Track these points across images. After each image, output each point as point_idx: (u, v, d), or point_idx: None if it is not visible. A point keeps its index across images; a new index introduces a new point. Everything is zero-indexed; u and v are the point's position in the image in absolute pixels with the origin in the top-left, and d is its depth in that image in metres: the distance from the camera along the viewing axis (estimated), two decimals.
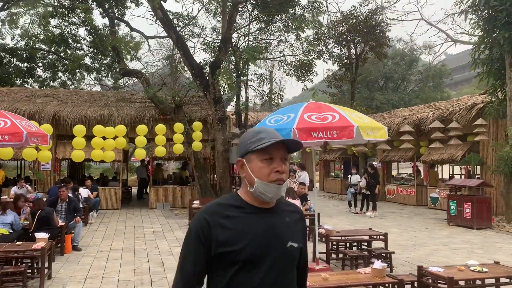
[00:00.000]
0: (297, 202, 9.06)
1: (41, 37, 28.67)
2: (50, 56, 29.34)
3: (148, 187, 18.48)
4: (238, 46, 18.77)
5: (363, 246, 7.57)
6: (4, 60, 26.73)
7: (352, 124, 5.72)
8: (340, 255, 7.28)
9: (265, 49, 19.79)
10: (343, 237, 7.08)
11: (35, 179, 15.16)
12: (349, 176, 14.82)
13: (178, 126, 13.55)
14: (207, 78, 14.67)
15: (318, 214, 10.10)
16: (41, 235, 6.14)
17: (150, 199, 16.05)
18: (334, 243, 7.40)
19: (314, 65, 20.26)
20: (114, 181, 16.87)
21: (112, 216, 13.75)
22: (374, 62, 28.43)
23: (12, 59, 27.39)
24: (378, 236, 7.10)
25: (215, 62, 14.50)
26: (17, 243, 6.03)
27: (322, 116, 5.89)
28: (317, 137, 5.69)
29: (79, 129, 11.19)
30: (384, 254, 6.69)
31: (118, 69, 19.16)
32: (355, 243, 7.53)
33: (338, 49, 22.07)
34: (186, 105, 16.73)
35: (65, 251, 7.97)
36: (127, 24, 20.27)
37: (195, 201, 11.68)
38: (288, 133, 5.69)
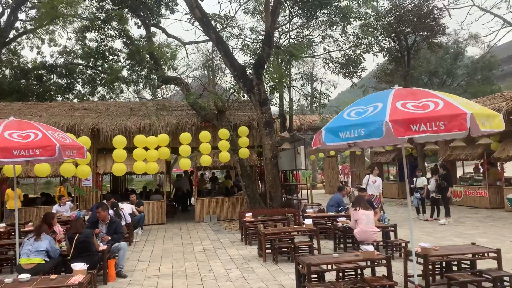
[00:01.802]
0: (371, 213, 7.68)
1: (79, 52, 28.73)
2: (89, 71, 29.33)
3: (193, 199, 17.57)
4: (279, 45, 17.62)
5: (462, 265, 6.11)
6: (44, 77, 26.80)
7: (464, 111, 4.33)
8: (438, 278, 5.86)
9: (308, 47, 18.51)
10: (444, 257, 5.64)
11: (76, 195, 14.51)
12: (414, 179, 13.21)
13: (223, 132, 12.48)
14: (251, 79, 13.55)
15: (395, 225, 8.69)
16: (79, 266, 5.12)
17: (196, 211, 15.04)
18: (430, 263, 5.95)
19: (362, 60, 18.78)
20: (157, 194, 16.02)
21: (158, 232, 12.80)
22: (427, 54, 26.51)
23: (51, 76, 27.46)
24: (487, 254, 5.64)
25: (259, 60, 13.36)
26: (51, 277, 5.02)
27: (421, 104, 4.54)
28: (418, 131, 4.35)
29: (119, 140, 10.32)
30: (504, 278, 5.21)
31: (156, 77, 18.43)
32: (454, 263, 6.06)
33: (387, 42, 20.41)
34: (229, 110, 15.71)
35: (108, 279, 6.96)
36: (163, 31, 19.60)
37: (247, 214, 10.50)
38: (378, 127, 4.39)
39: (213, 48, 16.58)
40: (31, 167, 10.60)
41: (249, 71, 14.28)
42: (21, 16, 26.49)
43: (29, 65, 27.39)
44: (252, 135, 14.64)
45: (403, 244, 7.66)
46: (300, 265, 5.69)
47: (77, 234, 6.52)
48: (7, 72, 27.00)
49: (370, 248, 5.54)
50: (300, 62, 17.98)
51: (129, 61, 27.81)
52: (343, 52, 18.90)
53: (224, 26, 16.54)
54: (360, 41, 18.73)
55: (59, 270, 6.51)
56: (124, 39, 26.31)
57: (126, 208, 11.63)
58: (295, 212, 11.86)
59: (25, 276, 4.89)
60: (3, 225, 10.10)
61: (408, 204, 5.85)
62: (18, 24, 26.55)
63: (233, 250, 9.41)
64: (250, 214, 10.48)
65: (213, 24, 15.38)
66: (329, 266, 5.57)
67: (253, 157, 15.11)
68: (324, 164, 26.42)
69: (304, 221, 9.91)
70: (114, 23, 24.94)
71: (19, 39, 27.93)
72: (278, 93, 15.77)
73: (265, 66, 13.46)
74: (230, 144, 13.14)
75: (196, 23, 14.90)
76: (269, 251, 8.47)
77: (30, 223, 10.76)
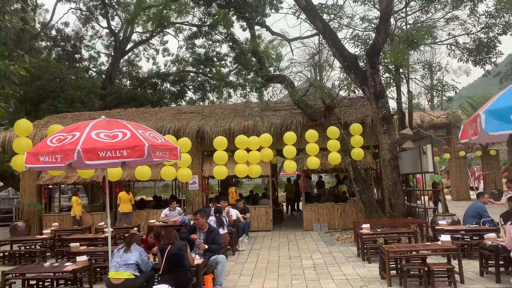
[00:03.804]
0: None
1: (190, 59, 29.66)
2: (199, 78, 30.13)
3: (301, 204, 16.44)
4: (394, 33, 15.61)
5: None
6: (158, 86, 28.07)
7: None
8: None
9: (429, 33, 16.15)
10: None
11: (184, 199, 14.32)
12: None
13: (332, 131, 11.08)
14: (364, 69, 11.95)
15: None
16: None
17: (305, 219, 13.83)
18: None
19: (497, 43, 15.82)
20: (264, 198, 15.18)
21: (264, 240, 11.87)
22: None
23: (165, 84, 28.68)
24: None
25: (373, 47, 11.71)
26: None
27: None
28: None
29: (220, 141, 9.60)
30: None
31: (260, 76, 17.73)
32: None
33: None
34: (338, 107, 14.24)
35: None
36: (268, 29, 18.86)
37: (363, 225, 8.97)
38: None
39: (319, 41, 15.29)
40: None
41: (361, 64, 12.69)
42: (138, 29, 27.88)
43: (145, 75, 28.98)
44: (366, 134, 12.99)
45: None
46: None
47: (169, 246, 5.75)
48: (127, 82, 28.87)
49: None
50: (420, 49, 15.72)
51: (236, 64, 27.90)
52: (473, 36, 16.15)
53: (332, 16, 15.14)
54: (494, 21, 15.83)
55: (151, 285, 5.80)
56: (230, 43, 26.41)
57: (232, 214, 10.92)
58: (422, 224, 9.95)
59: None
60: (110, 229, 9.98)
61: None
62: (134, 36, 28.24)
63: (349, 268, 7.97)
64: (368, 225, 8.92)
65: (320, 15, 14.10)
66: None
67: (367, 158, 13.43)
68: (450, 166, 23.28)
69: (434, 236, 8.09)
70: (220, 28, 25.14)
71: (136, 51, 29.79)
72: (395, 85, 13.83)
73: (381, 53, 11.76)
74: (341, 144, 11.66)
75: (302, 17, 13.81)
76: (394, 271, 6.90)
77: (136, 228, 10.56)
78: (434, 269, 6.34)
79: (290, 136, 10.25)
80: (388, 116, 11.72)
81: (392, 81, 13.99)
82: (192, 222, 10.10)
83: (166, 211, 12.23)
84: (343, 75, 15.59)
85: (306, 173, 14.37)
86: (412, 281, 6.65)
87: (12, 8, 7.73)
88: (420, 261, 6.68)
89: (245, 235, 11.05)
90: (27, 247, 9.89)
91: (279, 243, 11.26)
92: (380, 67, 13.09)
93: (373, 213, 12.08)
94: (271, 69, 20.08)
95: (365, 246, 8.57)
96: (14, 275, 6.00)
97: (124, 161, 5.66)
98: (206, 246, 6.56)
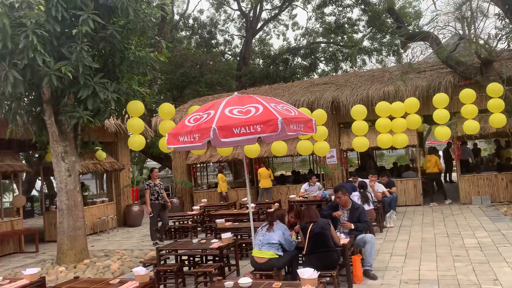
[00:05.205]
0: None
1: (320, 30, 28.81)
2: (330, 48, 29.16)
3: (455, 175, 14.68)
4: None
5: None
6: (289, 61, 27.94)
7: None
8: None
9: None
10: None
11: (322, 173, 13.92)
12: None
13: (494, 88, 9.31)
14: None
15: None
16: (307, 274, 3.85)
17: (461, 191, 12.25)
18: None
19: None
20: (409, 171, 13.89)
21: (414, 216, 10.83)
22: None
23: (296, 58, 28.42)
24: None
25: None
26: (274, 285, 3.92)
27: None
28: None
29: (358, 110, 8.82)
30: None
31: (399, 37, 16.10)
32: None
33: None
34: (498, 61, 12.07)
35: (353, 280, 5.59)
36: None
37: None
38: None
39: None
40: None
41: None
42: (267, 6, 27.98)
43: (277, 52, 29.09)
44: None
45: None
46: None
47: (311, 224, 5.37)
48: (259, 61, 29.39)
49: None
50: None
51: (369, 28, 26.17)
52: None
53: None
54: None
55: (295, 265, 5.54)
56: (362, 6, 24.78)
57: (378, 188, 10.15)
58: None
59: (245, 281, 3.97)
60: (253, 205, 10.12)
61: None
62: (264, 14, 28.43)
63: None
64: None
65: None
66: None
67: None
68: None
69: None
70: None
71: (266, 29, 30.05)
72: None
73: None
74: (505, 103, 9.79)
75: None
76: None
77: (277, 204, 10.52)
78: None
79: (441, 98, 8.92)
80: None
81: None
82: (333, 197, 9.64)
83: (305, 186, 11.99)
84: (501, 22, 13.21)
85: (461, 139, 12.66)
86: None
87: None
88: None
89: (393, 211, 10.17)
90: (180, 222, 10.65)
91: (432, 219, 10.13)
92: None
93: None
94: (410, 28, 18.13)
95: None
96: (167, 251, 6.33)
97: (258, 136, 5.42)
98: (353, 226, 6.02)
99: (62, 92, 7.64)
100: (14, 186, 19.07)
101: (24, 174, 15.64)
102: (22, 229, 10.38)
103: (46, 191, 17.27)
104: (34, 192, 20.88)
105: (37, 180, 19.42)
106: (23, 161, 17.68)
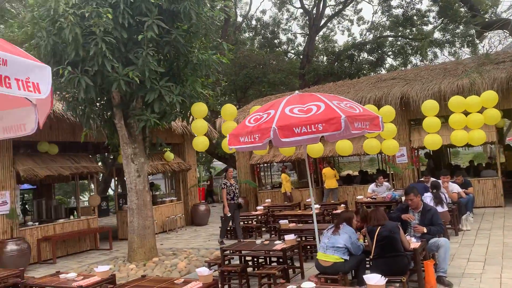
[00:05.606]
0: None
1: (387, 23, 27.71)
2: (398, 42, 27.94)
3: None
4: None
5: None
6: (355, 57, 27.15)
7: None
8: None
9: None
10: None
11: (391, 173, 13.32)
12: None
13: None
14: None
15: None
16: (374, 280, 3.63)
17: None
18: None
19: None
20: (488, 170, 12.87)
21: (494, 219, 10.00)
22: None
23: (362, 54, 27.57)
24: None
25: None
26: None
27: None
28: None
29: (429, 106, 8.27)
30: None
31: (474, 27, 14.99)
32: None
33: None
34: None
35: (426, 286, 5.22)
36: None
37: None
38: None
39: None
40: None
41: None
42: (331, 2, 27.46)
43: (341, 48, 28.41)
44: None
45: None
46: None
47: (378, 228, 5.10)
48: (323, 58, 28.89)
49: None
50: None
51: (440, 19, 24.69)
52: None
53: None
54: None
55: (362, 270, 5.28)
56: None
57: (453, 189, 9.47)
58: None
59: (309, 285, 3.83)
60: (317, 206, 9.90)
61: None
62: (328, 11, 27.89)
63: None
64: None
65: None
66: None
67: None
68: None
69: None
70: None
71: (330, 25, 29.45)
72: None
73: None
74: None
75: None
76: None
77: (343, 205, 10.21)
78: None
79: None
80: None
81: None
82: (403, 198, 9.14)
83: (372, 186, 11.55)
84: None
85: None
86: None
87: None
88: None
89: (469, 213, 9.46)
90: (245, 222, 10.70)
91: None
92: None
93: None
94: (486, 16, 16.83)
95: None
96: (231, 251, 6.36)
97: (321, 135, 5.24)
98: (425, 230, 5.63)
99: (130, 96, 7.97)
100: (92, 186, 20.36)
101: (101, 175, 16.66)
102: (97, 227, 11.02)
103: (120, 190, 18.26)
104: (109, 192, 22.20)
105: (113, 180, 20.61)
106: (99, 163, 18.74)
